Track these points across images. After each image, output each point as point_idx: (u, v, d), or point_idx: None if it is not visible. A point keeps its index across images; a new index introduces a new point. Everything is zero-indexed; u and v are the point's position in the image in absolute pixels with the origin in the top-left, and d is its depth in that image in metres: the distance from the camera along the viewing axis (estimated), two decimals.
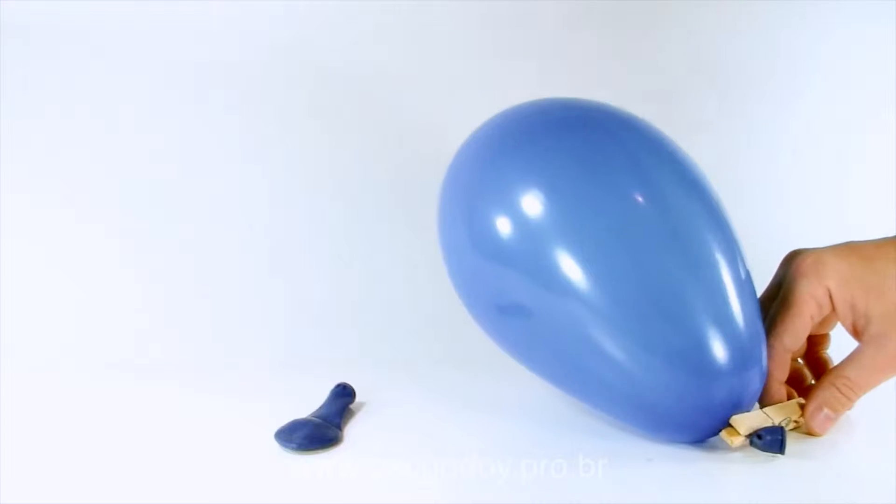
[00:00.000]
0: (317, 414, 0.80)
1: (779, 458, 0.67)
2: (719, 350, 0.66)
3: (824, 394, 0.72)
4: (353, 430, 0.79)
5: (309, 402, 0.83)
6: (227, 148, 1.21)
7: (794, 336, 0.72)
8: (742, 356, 0.67)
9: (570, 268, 0.68)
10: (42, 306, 1.14)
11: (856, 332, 0.72)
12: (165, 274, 1.17)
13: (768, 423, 0.68)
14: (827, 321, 0.78)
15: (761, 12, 1.23)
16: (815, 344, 0.80)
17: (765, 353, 0.70)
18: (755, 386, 0.69)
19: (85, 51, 1.19)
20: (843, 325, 0.73)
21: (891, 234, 0.73)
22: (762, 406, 0.72)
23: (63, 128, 1.18)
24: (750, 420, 0.67)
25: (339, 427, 0.78)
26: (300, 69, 1.22)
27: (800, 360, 0.82)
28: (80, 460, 0.71)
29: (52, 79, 1.18)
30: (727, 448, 0.70)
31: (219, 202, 1.20)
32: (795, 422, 0.72)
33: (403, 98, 1.23)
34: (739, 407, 0.68)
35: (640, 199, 0.70)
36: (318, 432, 0.75)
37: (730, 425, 0.68)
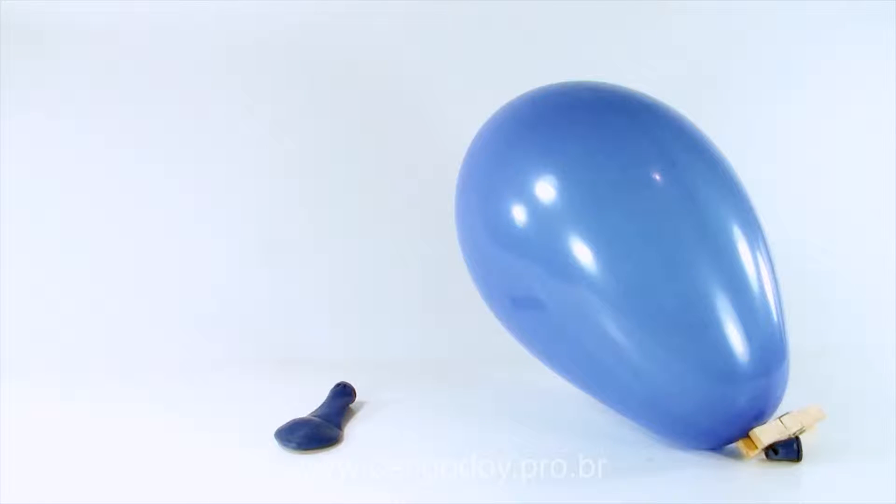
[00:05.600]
0: (317, 413, 0.80)
1: (777, 460, 0.68)
2: (743, 357, 0.65)
3: None
4: (353, 430, 0.79)
5: (309, 402, 0.83)
6: (228, 148, 1.21)
7: None
8: (765, 361, 0.66)
9: (587, 260, 0.66)
10: (42, 306, 1.14)
11: None
12: (165, 273, 1.17)
13: (785, 436, 0.66)
14: None
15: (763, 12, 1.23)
16: None
17: (787, 358, 0.68)
18: (778, 392, 0.68)
19: (83, 49, 1.19)
20: None
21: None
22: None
23: (47, 125, 1.19)
24: (768, 433, 0.66)
25: (339, 427, 0.78)
26: (307, 63, 1.22)
27: None
28: (81, 460, 0.71)
29: (42, 77, 1.18)
30: (729, 449, 0.70)
31: (221, 202, 1.20)
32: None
33: (414, 91, 1.22)
34: (762, 416, 0.67)
35: (666, 189, 0.67)
36: (318, 432, 0.75)
37: (748, 437, 0.67)
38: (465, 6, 1.22)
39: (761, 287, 0.67)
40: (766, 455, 0.67)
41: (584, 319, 0.67)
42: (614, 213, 0.67)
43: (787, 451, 0.67)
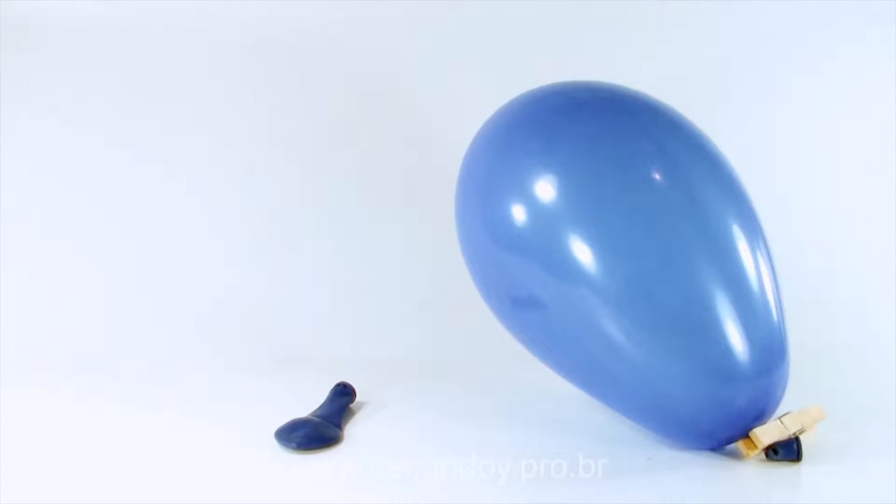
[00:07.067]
0: (317, 413, 0.80)
1: (777, 460, 0.68)
2: (743, 357, 0.65)
3: None
4: (353, 430, 0.79)
5: (309, 402, 0.83)
6: (228, 148, 1.21)
7: None
8: (765, 361, 0.66)
9: (587, 259, 0.66)
10: (42, 306, 1.14)
11: None
12: (164, 273, 1.17)
13: (785, 436, 0.66)
14: None
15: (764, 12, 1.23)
16: None
17: (787, 358, 0.68)
18: (778, 392, 0.68)
19: (82, 48, 1.19)
20: None
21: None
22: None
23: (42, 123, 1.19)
24: (768, 434, 0.66)
25: (339, 427, 0.78)
26: (306, 63, 1.22)
27: None
28: (81, 460, 0.71)
29: (42, 76, 1.19)
30: (729, 449, 0.70)
31: (220, 201, 1.20)
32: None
33: (414, 91, 1.22)
34: (762, 416, 0.67)
35: (666, 189, 0.67)
36: (318, 432, 0.75)
37: (748, 437, 0.67)
38: (465, 6, 1.22)
39: (761, 287, 0.67)
40: (766, 455, 0.67)
41: (584, 319, 0.67)
42: (614, 213, 0.67)
43: (787, 451, 0.67)
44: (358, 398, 0.88)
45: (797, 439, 0.67)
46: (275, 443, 0.73)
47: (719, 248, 0.67)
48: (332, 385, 0.87)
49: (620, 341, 0.66)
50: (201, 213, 1.20)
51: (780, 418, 0.67)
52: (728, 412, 0.66)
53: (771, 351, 0.67)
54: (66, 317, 1.13)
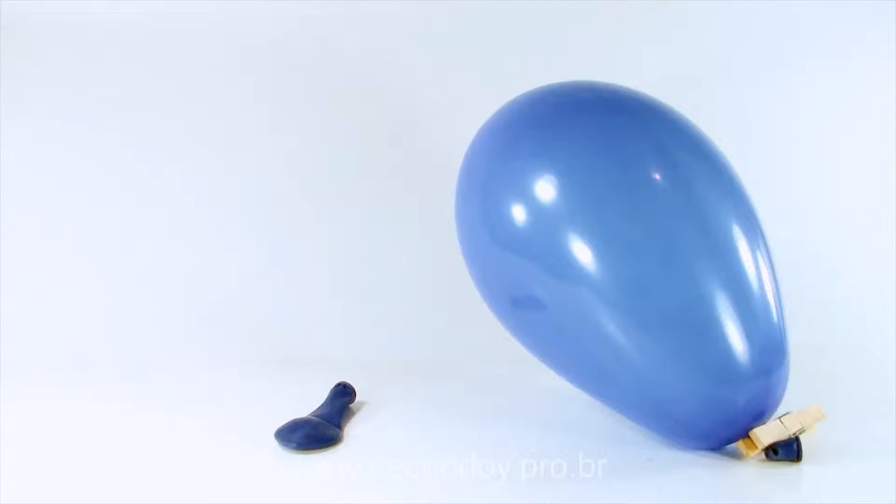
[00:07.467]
0: (317, 413, 0.80)
1: (777, 460, 0.68)
2: (743, 357, 0.65)
3: None
4: (353, 430, 0.79)
5: (309, 402, 0.83)
6: (229, 148, 1.21)
7: None
8: (765, 361, 0.66)
9: (587, 260, 0.67)
10: (42, 306, 1.14)
11: None
12: (165, 273, 1.17)
13: (785, 436, 0.67)
14: None
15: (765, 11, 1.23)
16: None
17: (787, 359, 0.68)
18: (778, 392, 0.68)
19: (86, 46, 1.19)
20: None
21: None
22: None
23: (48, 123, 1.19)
24: (768, 434, 0.66)
25: (339, 427, 0.78)
26: (307, 64, 1.22)
27: None
28: (81, 460, 0.71)
29: (45, 77, 1.19)
30: (729, 449, 0.70)
31: (221, 202, 1.20)
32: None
33: (414, 91, 1.22)
34: (762, 416, 0.67)
35: (666, 189, 0.68)
36: (318, 432, 0.75)
37: (748, 437, 0.67)
38: (465, 6, 1.22)
39: (761, 287, 0.67)
40: (766, 455, 0.67)
41: (584, 319, 0.68)
42: (614, 213, 0.67)
43: (787, 451, 0.67)
44: (358, 398, 0.88)
45: (797, 439, 0.67)
46: (275, 443, 0.73)
47: (719, 249, 0.67)
48: (332, 385, 0.87)
49: (620, 341, 0.66)
50: (201, 213, 1.20)
51: (780, 418, 0.67)
52: (728, 412, 0.66)
53: (771, 351, 0.67)
54: (66, 317, 1.13)
